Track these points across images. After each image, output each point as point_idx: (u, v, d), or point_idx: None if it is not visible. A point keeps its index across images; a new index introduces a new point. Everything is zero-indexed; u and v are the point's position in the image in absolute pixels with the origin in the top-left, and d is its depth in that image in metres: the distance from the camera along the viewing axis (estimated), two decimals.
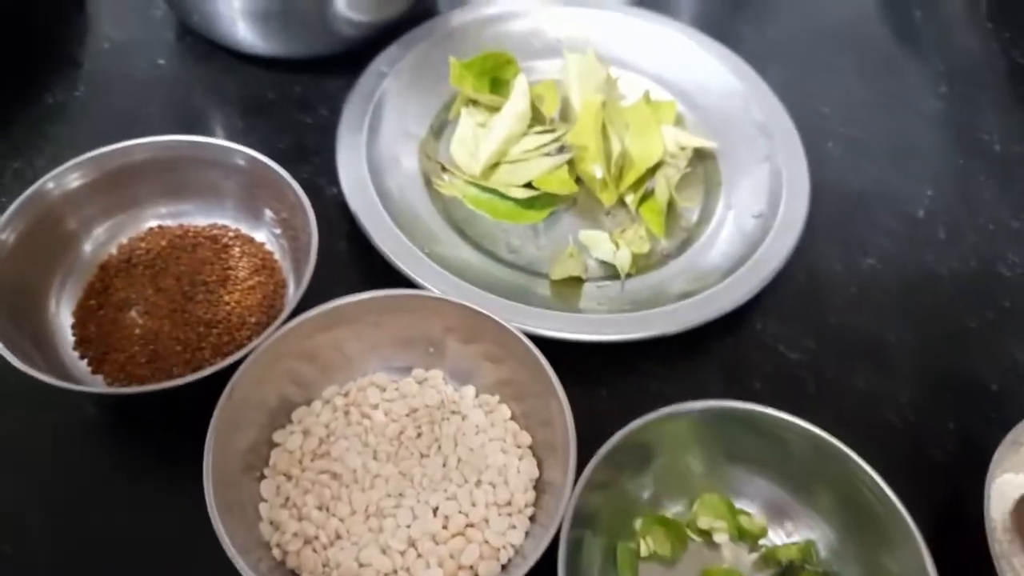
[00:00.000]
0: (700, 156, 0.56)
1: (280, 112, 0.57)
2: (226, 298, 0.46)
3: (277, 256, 0.48)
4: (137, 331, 0.44)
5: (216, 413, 0.35)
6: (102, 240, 0.47)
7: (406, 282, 0.45)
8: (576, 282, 0.49)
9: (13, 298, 0.41)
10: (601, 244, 0.50)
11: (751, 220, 0.51)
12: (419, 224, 0.49)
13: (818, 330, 0.49)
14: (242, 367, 0.37)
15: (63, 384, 0.38)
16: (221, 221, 0.49)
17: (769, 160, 0.54)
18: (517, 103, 0.52)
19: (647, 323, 0.45)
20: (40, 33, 0.60)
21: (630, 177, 0.52)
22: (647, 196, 0.53)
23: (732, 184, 0.54)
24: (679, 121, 0.58)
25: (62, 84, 0.57)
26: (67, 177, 0.44)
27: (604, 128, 0.53)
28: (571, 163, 0.53)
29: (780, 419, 0.38)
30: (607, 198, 0.52)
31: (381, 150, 0.52)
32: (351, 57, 0.57)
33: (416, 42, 0.57)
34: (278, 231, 0.48)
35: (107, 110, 0.56)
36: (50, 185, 0.44)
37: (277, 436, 0.40)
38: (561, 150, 0.53)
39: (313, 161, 0.52)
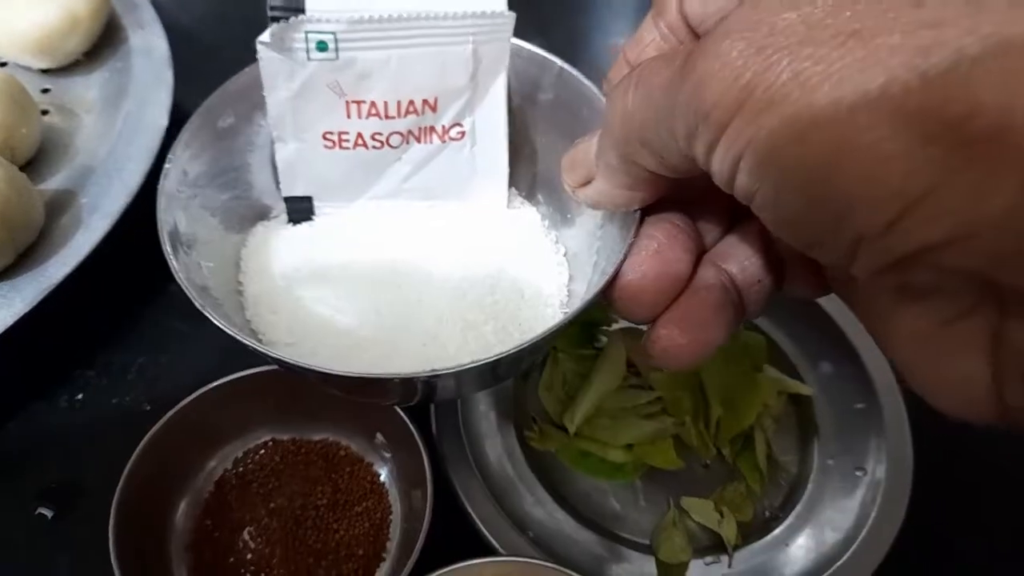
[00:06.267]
0: (793, 400, 0.52)
1: None
2: (335, 525, 0.46)
3: (384, 479, 0.48)
4: (249, 556, 0.45)
5: None
6: (219, 456, 0.49)
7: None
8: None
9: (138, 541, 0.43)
10: (705, 512, 0.47)
11: (855, 475, 0.48)
12: (516, 493, 0.47)
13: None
14: None
15: None
16: (333, 436, 0.50)
17: (866, 404, 0.50)
18: (614, 365, 0.50)
19: None
20: None
21: (727, 433, 0.50)
22: (745, 448, 0.50)
23: (828, 431, 0.50)
24: (769, 358, 0.53)
25: None
26: (189, 408, 0.45)
27: (698, 379, 0.50)
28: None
29: None
30: (704, 453, 0.50)
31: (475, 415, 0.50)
32: None
33: None
34: (388, 455, 0.48)
35: None
36: (173, 418, 0.45)
37: None
38: (657, 412, 0.50)
39: None
